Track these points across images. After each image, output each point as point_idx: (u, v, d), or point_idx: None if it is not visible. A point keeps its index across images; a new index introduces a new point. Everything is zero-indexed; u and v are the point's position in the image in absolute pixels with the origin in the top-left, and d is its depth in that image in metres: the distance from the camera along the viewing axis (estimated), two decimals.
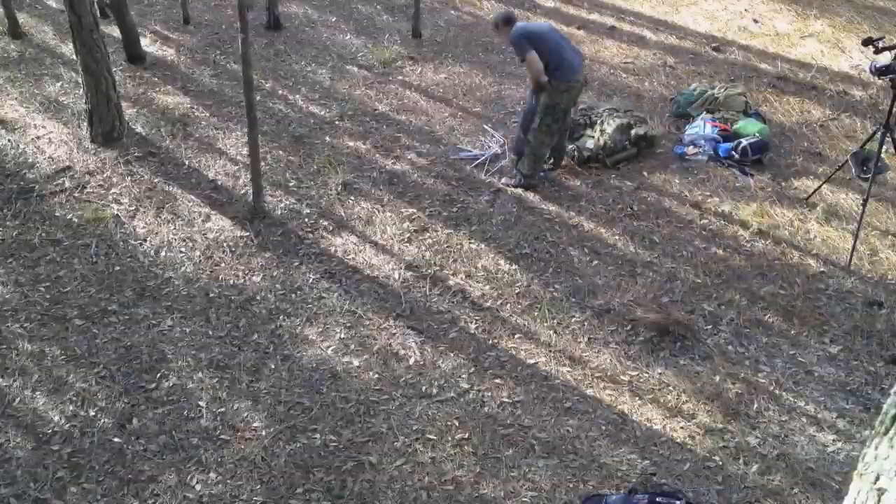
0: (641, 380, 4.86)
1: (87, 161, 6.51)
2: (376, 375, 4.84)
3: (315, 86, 7.76)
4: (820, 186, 6.23)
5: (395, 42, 8.44)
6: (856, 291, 5.49)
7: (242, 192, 6.24)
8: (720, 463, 4.39)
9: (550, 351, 5.03)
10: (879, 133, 5.63)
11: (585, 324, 5.22)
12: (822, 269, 5.67)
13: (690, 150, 6.76)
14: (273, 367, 4.88)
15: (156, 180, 6.35)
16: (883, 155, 5.86)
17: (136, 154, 6.58)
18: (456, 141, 6.94)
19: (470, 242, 5.83)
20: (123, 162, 6.49)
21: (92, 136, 6.67)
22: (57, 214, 5.99)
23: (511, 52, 8.14)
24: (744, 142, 6.65)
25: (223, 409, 4.62)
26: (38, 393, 4.69)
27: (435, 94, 7.68)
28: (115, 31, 7.85)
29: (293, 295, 5.37)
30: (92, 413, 4.58)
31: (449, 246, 5.81)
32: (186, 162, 6.56)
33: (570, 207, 6.19)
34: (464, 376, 4.85)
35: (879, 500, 1.77)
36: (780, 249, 5.83)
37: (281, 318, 5.21)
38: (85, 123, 6.72)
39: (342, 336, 5.09)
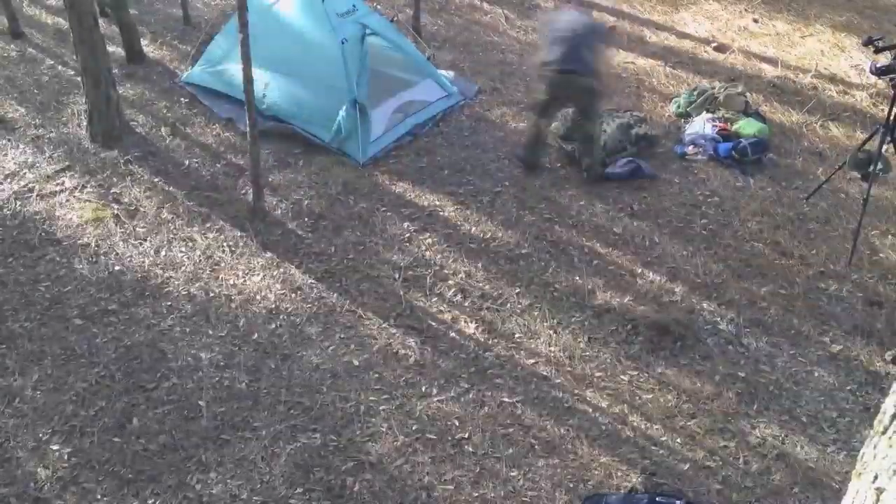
0: (641, 380, 4.86)
1: (87, 161, 6.51)
2: (376, 375, 4.85)
3: None
4: (820, 186, 6.23)
5: None
6: (856, 291, 5.49)
7: (242, 192, 6.24)
8: (720, 463, 4.40)
9: (550, 351, 5.03)
10: (879, 133, 5.63)
11: (585, 324, 5.22)
12: (822, 269, 5.66)
13: (690, 150, 6.76)
14: (273, 366, 4.88)
15: (156, 180, 6.34)
16: (885, 154, 5.85)
17: (135, 154, 6.58)
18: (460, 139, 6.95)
19: (470, 242, 5.83)
20: (123, 162, 6.49)
21: (92, 135, 6.66)
22: (57, 214, 5.99)
23: (510, 52, 8.16)
24: (744, 142, 6.65)
25: (223, 409, 4.62)
26: (38, 393, 4.69)
27: None
28: (115, 31, 7.85)
29: (293, 295, 5.37)
30: (92, 413, 4.58)
31: (449, 246, 5.81)
32: (186, 162, 6.56)
33: (569, 207, 6.19)
34: (464, 376, 4.85)
35: (878, 500, 1.77)
36: (780, 249, 5.83)
37: (281, 318, 5.21)
38: (85, 123, 6.71)
39: (342, 336, 5.09)
